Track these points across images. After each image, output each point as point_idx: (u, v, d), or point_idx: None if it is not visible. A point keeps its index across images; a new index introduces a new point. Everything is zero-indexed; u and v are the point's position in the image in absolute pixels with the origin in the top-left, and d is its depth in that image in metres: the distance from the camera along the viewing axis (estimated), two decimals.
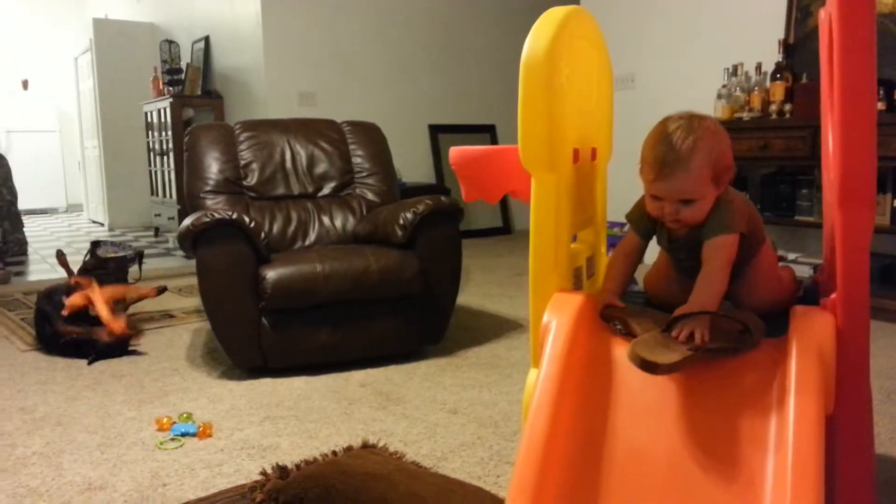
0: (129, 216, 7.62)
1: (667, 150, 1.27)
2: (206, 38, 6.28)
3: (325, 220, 3.15)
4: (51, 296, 2.99)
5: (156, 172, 6.72)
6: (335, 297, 2.57)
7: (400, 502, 1.48)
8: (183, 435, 2.05)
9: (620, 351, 1.25)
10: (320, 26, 5.53)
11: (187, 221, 2.54)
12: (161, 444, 2.01)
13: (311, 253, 2.71)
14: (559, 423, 1.16)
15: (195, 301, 3.76)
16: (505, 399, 2.31)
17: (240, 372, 2.61)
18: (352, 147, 3.36)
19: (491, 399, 2.32)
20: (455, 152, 1.72)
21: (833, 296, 1.18)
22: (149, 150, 6.89)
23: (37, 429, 2.14)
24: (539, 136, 1.30)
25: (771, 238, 1.47)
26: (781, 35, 3.80)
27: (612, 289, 1.44)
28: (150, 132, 6.82)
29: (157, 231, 6.76)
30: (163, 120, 6.34)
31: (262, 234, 2.64)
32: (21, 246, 5.64)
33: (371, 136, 3.43)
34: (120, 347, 2.86)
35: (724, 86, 3.88)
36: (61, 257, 3.34)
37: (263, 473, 1.71)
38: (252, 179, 3.15)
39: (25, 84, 9.27)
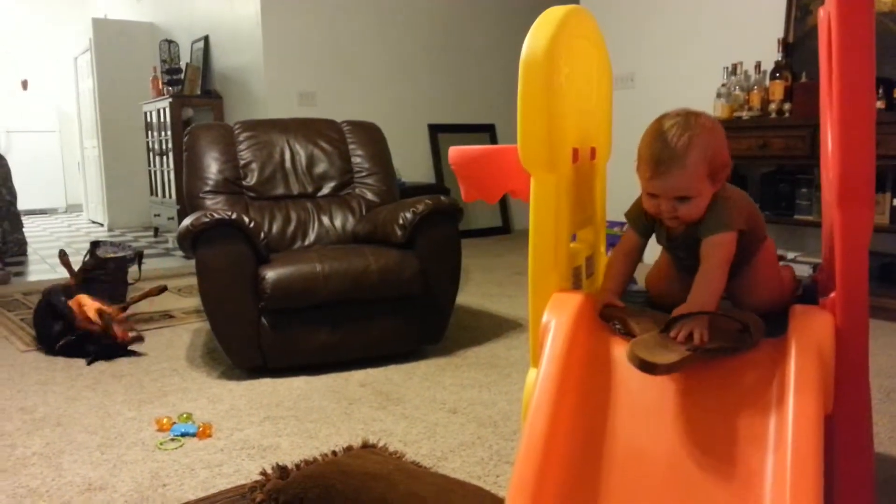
0: (129, 216, 7.62)
1: (662, 147, 1.27)
2: (206, 38, 6.28)
3: (325, 219, 3.15)
4: (56, 294, 2.98)
5: (155, 172, 6.72)
6: (335, 296, 2.57)
7: (400, 502, 1.48)
8: (183, 435, 2.05)
9: (620, 351, 1.25)
10: (320, 26, 5.53)
11: (187, 221, 2.54)
12: (161, 444, 2.01)
13: (310, 253, 2.71)
14: (559, 423, 1.16)
15: (195, 301, 3.76)
16: (504, 399, 2.31)
17: (239, 372, 2.61)
18: (351, 147, 3.36)
19: (490, 399, 2.32)
20: (454, 152, 1.72)
21: (832, 295, 1.18)
22: (148, 150, 6.88)
23: (37, 429, 2.14)
24: (538, 136, 1.30)
25: (770, 237, 1.47)
26: (781, 34, 3.80)
27: (611, 288, 1.44)
28: (149, 132, 6.82)
29: (156, 231, 6.76)
30: (162, 120, 6.33)
31: (262, 234, 2.64)
32: (21, 246, 5.64)
33: (371, 135, 3.43)
34: (118, 347, 2.86)
35: (723, 85, 3.88)
36: (64, 257, 3.34)
37: (263, 473, 1.71)
38: (251, 179, 3.15)
39: (25, 84, 9.26)
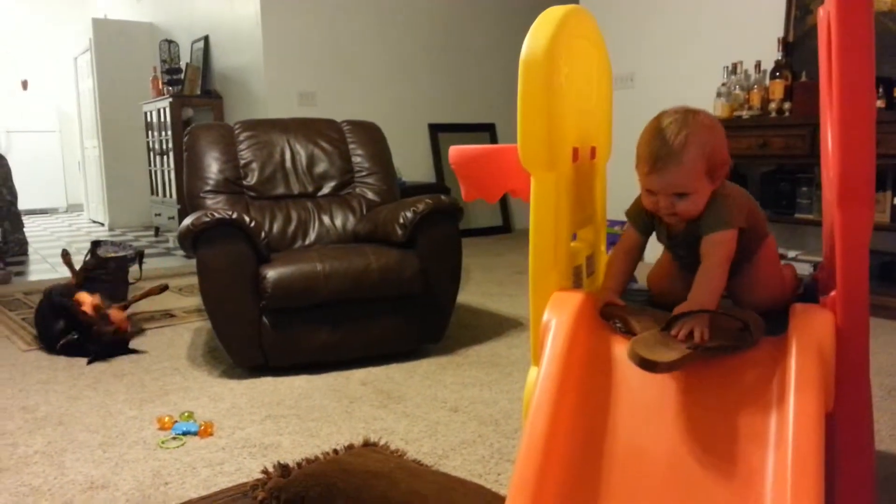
0: (130, 216, 7.63)
1: (660, 143, 1.28)
2: (206, 38, 6.28)
3: (325, 219, 3.15)
4: (61, 293, 2.99)
5: (156, 172, 6.72)
6: (335, 296, 2.57)
7: (401, 500, 1.48)
8: (184, 434, 2.05)
9: (620, 349, 1.25)
10: (320, 26, 5.53)
11: (187, 221, 2.54)
12: (162, 442, 2.01)
13: (311, 252, 2.72)
14: (559, 422, 1.16)
15: (196, 300, 3.77)
16: (505, 397, 2.32)
17: (241, 371, 2.62)
18: (352, 146, 3.37)
19: (491, 397, 2.32)
20: (455, 151, 1.73)
21: (833, 293, 1.19)
22: (148, 149, 6.89)
23: (38, 428, 2.15)
24: (538, 135, 1.31)
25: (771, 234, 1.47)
26: (781, 33, 3.81)
27: (611, 287, 1.44)
28: (149, 132, 6.83)
29: (157, 231, 6.77)
30: (162, 120, 6.34)
31: (263, 234, 2.64)
32: (21, 246, 5.64)
33: (371, 135, 3.43)
34: (119, 346, 2.86)
35: (723, 84, 3.88)
36: (66, 257, 3.34)
37: (265, 472, 1.71)
38: (252, 179, 3.16)
39: (25, 84, 9.27)
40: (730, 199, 1.33)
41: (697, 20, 4.29)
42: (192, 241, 2.51)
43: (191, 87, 6.22)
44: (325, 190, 3.26)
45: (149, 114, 6.76)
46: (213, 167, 3.09)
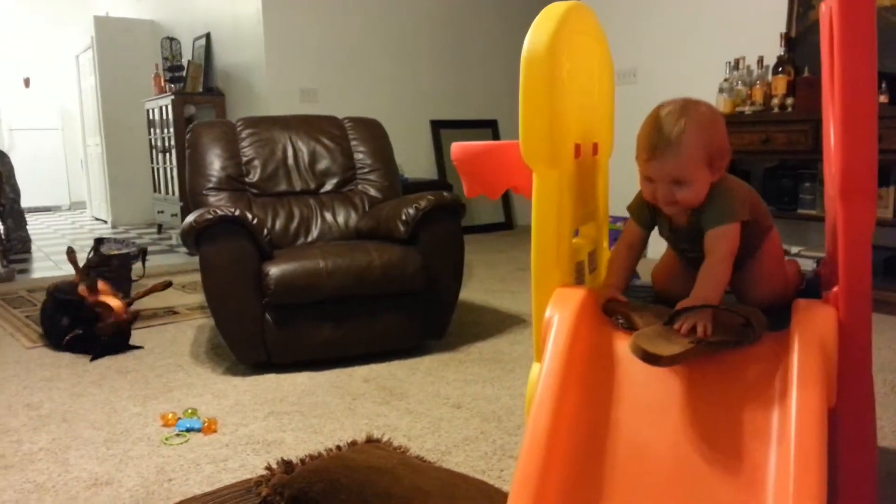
0: (132, 213, 7.64)
1: (660, 131, 1.28)
2: (207, 35, 6.28)
3: (328, 216, 3.15)
4: (63, 291, 3.00)
5: (158, 169, 6.73)
6: (338, 292, 2.58)
7: (404, 496, 1.49)
8: (188, 430, 2.06)
9: (623, 345, 1.25)
10: (321, 23, 5.52)
11: (190, 218, 2.55)
12: (166, 439, 2.02)
13: (313, 249, 2.72)
14: (562, 418, 1.16)
15: (199, 297, 3.77)
16: (508, 394, 2.32)
17: (244, 368, 2.62)
18: (353, 143, 3.37)
19: (494, 394, 2.32)
20: (457, 148, 1.73)
21: (835, 289, 1.19)
22: (151, 147, 6.90)
23: (43, 425, 2.15)
24: (540, 132, 1.30)
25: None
26: (783, 28, 3.80)
27: (613, 283, 1.44)
28: (151, 129, 6.83)
29: (160, 228, 6.78)
30: (164, 117, 6.34)
31: (265, 231, 2.64)
32: (24, 244, 5.65)
33: (373, 131, 3.43)
34: (121, 339, 2.87)
35: (725, 80, 3.87)
36: (71, 255, 3.35)
37: (268, 468, 1.72)
38: (254, 176, 3.16)
39: (27, 82, 9.27)
40: (732, 192, 1.32)
41: (700, 15, 4.28)
42: (195, 239, 2.52)
43: (193, 85, 6.23)
44: (328, 187, 3.26)
45: (151, 111, 6.77)
46: (215, 164, 3.10)
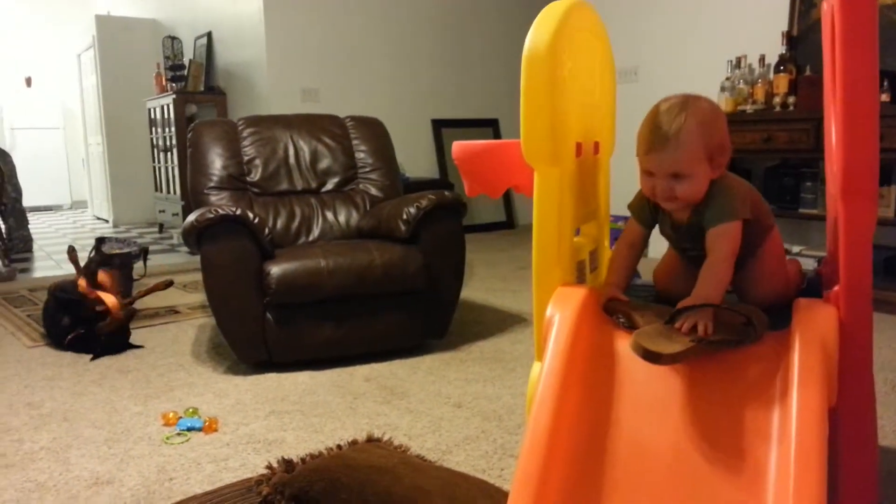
0: (134, 212, 7.64)
1: (660, 124, 1.28)
2: (209, 34, 6.28)
3: (329, 215, 3.15)
4: (64, 290, 3.00)
5: (159, 169, 6.73)
6: (339, 291, 2.58)
7: (405, 495, 1.49)
8: (189, 430, 2.06)
9: (624, 344, 1.25)
10: (323, 22, 5.52)
11: (191, 217, 2.55)
12: (167, 438, 2.02)
13: (314, 248, 2.72)
14: (563, 417, 1.16)
15: (200, 297, 3.78)
16: (509, 393, 2.32)
17: (245, 367, 2.62)
18: (355, 142, 3.37)
19: (495, 393, 2.32)
20: (458, 147, 1.73)
21: (836, 288, 1.18)
22: (152, 146, 6.90)
23: (44, 424, 2.16)
24: (541, 130, 1.30)
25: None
26: (785, 27, 3.79)
27: (615, 282, 1.44)
28: (153, 128, 6.83)
29: (161, 227, 6.78)
30: (166, 116, 6.34)
31: (266, 230, 2.64)
32: (26, 243, 5.65)
33: (374, 131, 3.43)
34: (119, 337, 2.87)
35: (727, 78, 3.87)
36: (72, 254, 3.35)
37: (269, 467, 1.72)
38: (255, 175, 3.16)
39: (29, 81, 9.28)
40: (732, 191, 1.32)
41: (702, 14, 4.28)
42: (197, 238, 2.52)
43: (194, 84, 6.23)
44: (329, 186, 3.26)
45: (152, 110, 6.77)
46: (216, 163, 3.10)
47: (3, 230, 5.13)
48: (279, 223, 3.07)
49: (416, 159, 5.95)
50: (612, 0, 4.65)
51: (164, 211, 6.58)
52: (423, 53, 6.06)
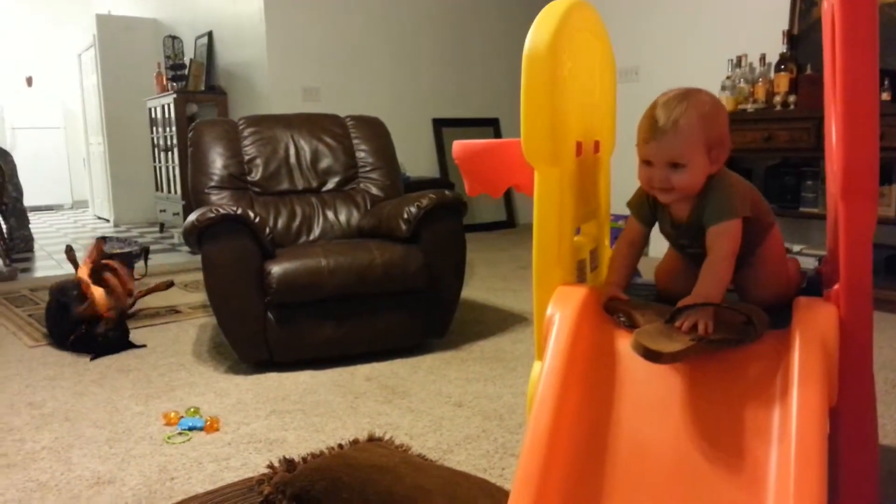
0: (135, 212, 7.64)
1: (659, 113, 1.29)
2: (210, 34, 6.28)
3: (330, 214, 3.16)
4: (63, 291, 3.00)
5: (160, 168, 6.73)
6: (340, 291, 2.58)
7: (406, 494, 1.49)
8: (190, 429, 2.06)
9: (624, 343, 1.25)
10: (323, 21, 5.52)
11: (192, 217, 2.55)
12: (169, 438, 2.02)
13: (315, 247, 2.72)
14: (563, 416, 1.17)
15: (201, 296, 3.78)
16: (510, 392, 2.32)
17: (246, 366, 2.62)
18: (355, 142, 3.37)
19: (496, 392, 2.33)
20: (458, 146, 1.73)
21: (836, 287, 1.18)
22: (153, 145, 6.90)
23: (45, 424, 2.16)
24: (542, 130, 1.31)
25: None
26: (786, 26, 3.79)
27: (615, 281, 1.44)
28: (154, 128, 6.84)
29: (162, 227, 6.78)
30: (167, 115, 6.34)
31: (267, 230, 2.65)
32: (27, 242, 5.66)
33: (374, 130, 3.44)
34: (120, 341, 2.87)
35: (728, 77, 3.87)
36: (70, 253, 3.36)
37: (270, 466, 1.72)
38: (256, 175, 3.16)
39: (30, 81, 9.28)
40: (732, 188, 1.32)
41: (702, 13, 4.28)
42: (197, 237, 2.52)
43: (195, 83, 6.23)
44: (330, 185, 3.26)
45: (153, 110, 6.77)
46: (217, 163, 3.10)
47: (5, 230, 5.14)
48: (280, 223, 3.07)
49: (416, 158, 5.95)
50: (612, 0, 4.65)
51: (164, 210, 6.59)
52: (424, 53, 6.06)
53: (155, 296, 3.53)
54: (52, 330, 3.00)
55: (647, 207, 1.45)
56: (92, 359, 2.77)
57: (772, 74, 3.70)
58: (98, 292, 2.88)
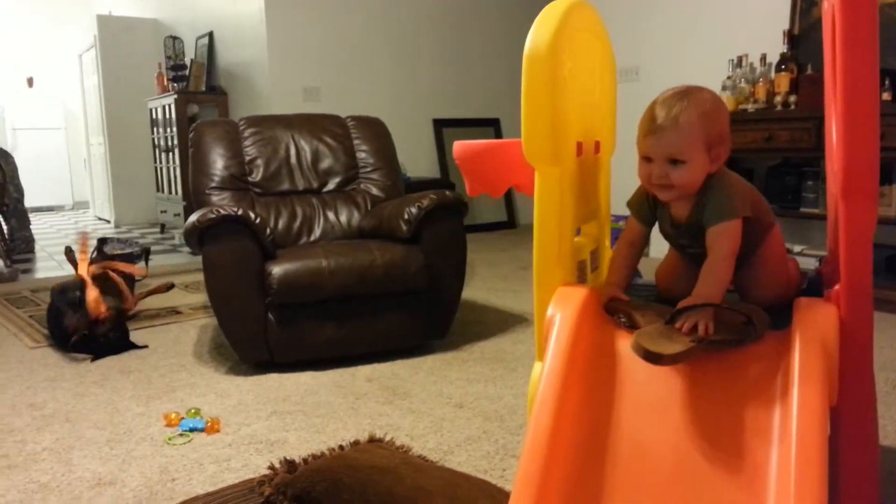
0: (135, 213, 7.65)
1: (660, 109, 1.29)
2: (210, 34, 6.28)
3: (330, 215, 3.16)
4: (64, 292, 3.00)
5: (161, 169, 6.74)
6: (341, 291, 2.58)
7: (406, 496, 1.49)
8: (191, 430, 2.06)
9: (625, 344, 1.25)
10: (324, 21, 5.53)
11: (193, 218, 2.55)
12: (169, 439, 2.02)
13: (316, 248, 2.72)
14: (564, 417, 1.17)
15: (202, 297, 3.78)
16: (510, 393, 2.32)
17: (247, 367, 2.62)
18: (356, 142, 3.37)
19: (496, 393, 2.33)
20: (459, 147, 1.73)
21: (836, 287, 1.18)
22: (154, 146, 6.90)
23: (46, 425, 2.16)
24: (542, 130, 1.31)
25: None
26: (786, 26, 3.79)
27: (615, 282, 1.44)
28: (154, 128, 6.84)
29: (163, 227, 6.79)
30: (167, 116, 6.35)
31: (268, 230, 2.65)
32: (28, 243, 5.66)
33: (375, 130, 3.44)
34: (120, 342, 2.87)
35: (728, 77, 3.87)
36: (70, 254, 3.36)
37: (271, 468, 1.72)
38: (257, 175, 3.16)
39: (31, 82, 9.29)
40: (732, 188, 1.32)
41: (702, 13, 4.28)
42: (198, 238, 2.52)
43: (196, 84, 6.23)
44: (330, 186, 3.26)
45: (154, 110, 6.78)
46: (218, 163, 3.10)
47: (5, 231, 5.14)
48: (280, 223, 3.07)
49: (417, 159, 5.96)
50: (612, 0, 4.65)
51: (165, 211, 6.59)
52: (424, 53, 6.06)
53: (155, 297, 3.53)
54: (53, 331, 3.00)
55: (646, 207, 1.45)
56: (93, 360, 2.77)
57: (772, 74, 3.70)
58: (92, 295, 2.87)
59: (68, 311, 2.87)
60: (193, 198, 3.08)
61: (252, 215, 2.56)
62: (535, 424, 1.14)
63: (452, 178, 5.94)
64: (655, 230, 1.49)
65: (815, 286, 1.46)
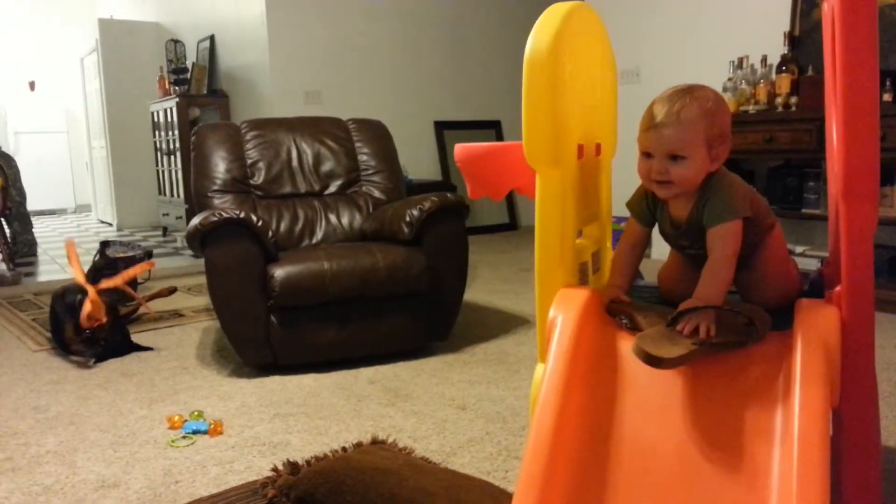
0: (138, 216, 7.66)
1: (662, 105, 1.30)
2: (212, 38, 6.30)
3: (332, 217, 3.16)
4: (64, 296, 3.01)
5: (163, 172, 6.75)
6: (343, 294, 2.58)
7: (409, 497, 1.49)
8: (194, 433, 2.07)
9: (626, 345, 1.25)
10: (325, 24, 5.54)
11: (195, 221, 2.56)
12: (173, 441, 2.02)
13: (318, 251, 2.73)
14: (566, 418, 1.17)
15: (204, 300, 3.78)
16: (513, 394, 2.32)
17: (249, 370, 2.63)
18: (357, 145, 3.37)
19: (499, 395, 2.33)
20: (460, 149, 1.73)
21: (838, 288, 1.19)
22: (156, 149, 6.92)
23: (50, 428, 2.17)
24: (543, 133, 1.31)
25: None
26: (787, 27, 3.79)
27: (617, 283, 1.44)
28: (156, 132, 6.86)
29: (165, 231, 6.80)
30: (169, 119, 6.36)
31: (270, 233, 2.65)
32: (30, 247, 5.67)
33: (376, 133, 3.44)
34: (122, 345, 2.88)
35: (729, 79, 3.87)
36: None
37: (274, 470, 1.72)
38: (259, 178, 3.17)
39: (32, 85, 9.31)
40: (732, 188, 1.32)
41: (703, 14, 4.28)
42: (201, 241, 2.53)
43: (197, 87, 6.25)
44: (332, 188, 3.27)
45: (156, 114, 6.79)
46: (220, 167, 3.11)
47: (8, 234, 5.15)
48: (282, 226, 3.07)
49: (418, 161, 5.96)
50: (612, 1, 4.65)
51: (167, 214, 6.60)
52: (425, 55, 6.07)
53: (160, 300, 3.54)
54: (56, 335, 3.00)
55: (646, 206, 1.45)
56: (94, 362, 2.77)
57: (773, 76, 3.70)
58: (87, 310, 2.84)
59: (67, 317, 2.87)
60: (195, 201, 3.08)
61: (254, 218, 2.57)
62: (538, 426, 1.15)
63: (454, 180, 5.95)
64: (656, 231, 1.49)
65: (816, 287, 1.46)
